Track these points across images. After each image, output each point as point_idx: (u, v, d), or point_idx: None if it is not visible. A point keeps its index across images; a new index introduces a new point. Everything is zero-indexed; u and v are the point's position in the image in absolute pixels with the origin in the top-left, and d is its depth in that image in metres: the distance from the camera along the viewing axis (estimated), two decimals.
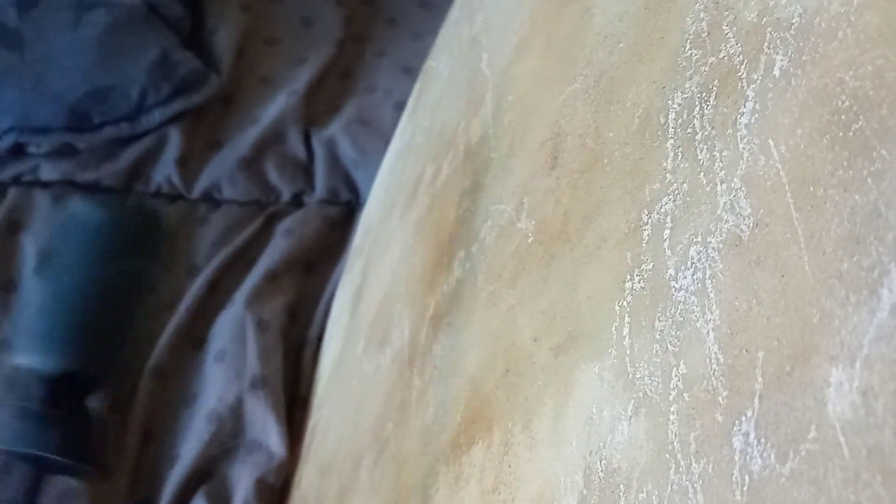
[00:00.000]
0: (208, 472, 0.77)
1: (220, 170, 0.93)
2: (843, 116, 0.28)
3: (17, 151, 0.93)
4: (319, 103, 0.97)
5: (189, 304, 0.83)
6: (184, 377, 0.81)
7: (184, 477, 0.76)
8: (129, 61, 0.92)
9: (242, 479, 0.77)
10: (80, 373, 0.69)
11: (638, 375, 0.36)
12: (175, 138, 0.94)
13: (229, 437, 0.78)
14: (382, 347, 0.69)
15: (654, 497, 0.33)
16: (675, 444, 0.33)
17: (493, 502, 0.45)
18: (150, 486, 0.76)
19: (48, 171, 0.92)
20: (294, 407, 0.83)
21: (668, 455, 0.33)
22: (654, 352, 0.35)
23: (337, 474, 0.73)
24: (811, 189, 0.29)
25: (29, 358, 0.68)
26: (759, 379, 0.29)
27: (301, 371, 0.83)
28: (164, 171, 0.94)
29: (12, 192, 0.91)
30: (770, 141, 0.31)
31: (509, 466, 0.45)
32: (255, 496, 0.75)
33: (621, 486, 0.35)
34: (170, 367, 0.81)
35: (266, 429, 0.79)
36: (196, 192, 0.93)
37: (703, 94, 0.36)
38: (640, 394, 0.35)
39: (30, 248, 0.87)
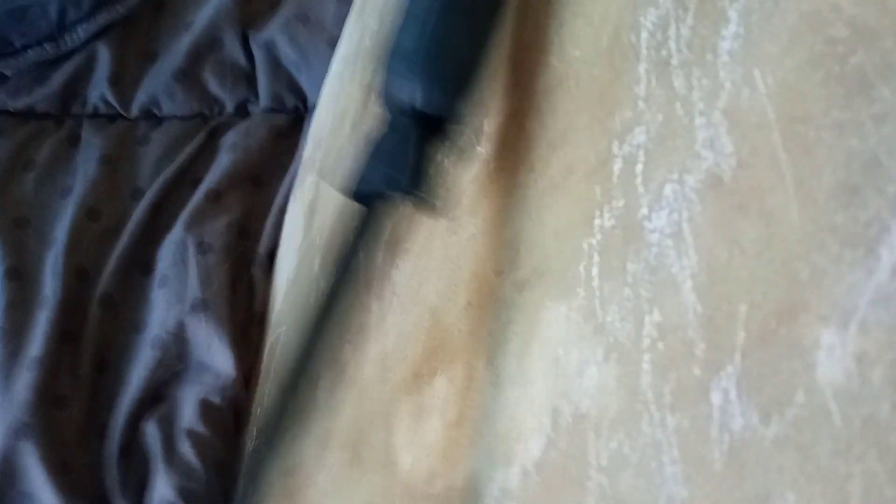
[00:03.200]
0: (160, 396, 0.76)
1: (156, 84, 0.87)
2: (839, 47, 0.25)
3: None
4: (255, 1, 0.91)
5: (133, 230, 0.79)
6: (132, 304, 0.78)
7: (133, 402, 0.74)
8: None
9: (188, 401, 0.76)
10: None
11: (608, 319, 0.34)
12: (105, 54, 0.88)
13: (175, 361, 0.76)
14: None
15: (625, 447, 0.32)
16: (649, 394, 0.31)
17: (458, 436, 0.44)
18: (107, 414, 0.75)
19: None
20: (250, 325, 0.81)
21: (640, 405, 0.31)
22: (626, 296, 0.33)
23: None
24: (802, 129, 0.26)
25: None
26: (741, 334, 0.27)
27: (254, 288, 0.81)
28: (98, 91, 0.88)
29: None
30: (755, 71, 0.28)
31: (473, 402, 0.43)
32: (200, 416, 0.73)
33: (590, 432, 0.34)
34: (118, 295, 0.78)
35: (211, 350, 0.77)
36: (134, 109, 0.87)
37: (680, 13, 0.32)
38: (611, 339, 0.33)
39: None
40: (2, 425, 0.70)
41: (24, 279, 0.78)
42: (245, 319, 0.81)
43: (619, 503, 0.31)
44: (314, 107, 0.87)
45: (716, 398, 0.28)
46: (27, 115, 0.89)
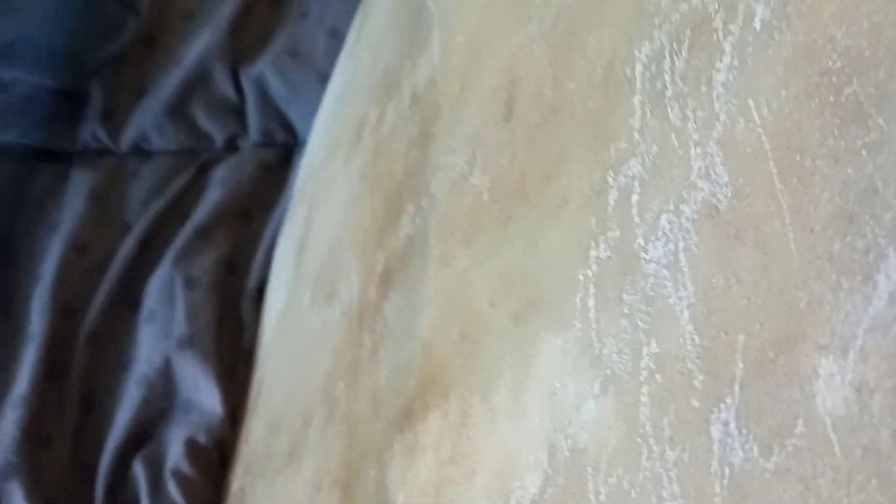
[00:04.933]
0: (147, 435, 0.75)
1: (146, 119, 0.87)
2: (833, 78, 0.25)
3: None
4: (246, 36, 0.91)
5: (120, 265, 0.79)
6: (119, 341, 0.78)
7: (120, 442, 0.74)
8: (32, 11, 0.86)
9: (174, 440, 0.75)
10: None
11: (605, 351, 0.34)
12: (96, 90, 0.89)
13: (161, 398, 0.75)
14: (330, 301, 0.66)
15: (625, 482, 0.31)
16: (647, 427, 0.31)
17: (452, 474, 0.44)
18: (93, 454, 0.74)
19: None
20: (238, 361, 0.80)
21: (639, 439, 0.31)
22: (623, 327, 0.33)
23: (286, 431, 0.71)
24: (797, 158, 0.26)
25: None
26: (740, 364, 0.27)
27: (242, 324, 0.80)
28: (89, 126, 0.88)
29: None
30: (750, 102, 0.28)
31: (468, 438, 0.43)
32: (186, 456, 0.73)
33: (589, 468, 0.33)
34: (104, 332, 0.78)
35: (197, 388, 0.77)
36: (124, 144, 0.88)
37: (674, 46, 0.33)
38: (608, 371, 0.33)
39: None
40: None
41: (10, 315, 0.77)
42: (232, 356, 0.81)
43: None
44: (304, 141, 0.88)
45: (715, 431, 0.28)
46: (16, 149, 0.89)
